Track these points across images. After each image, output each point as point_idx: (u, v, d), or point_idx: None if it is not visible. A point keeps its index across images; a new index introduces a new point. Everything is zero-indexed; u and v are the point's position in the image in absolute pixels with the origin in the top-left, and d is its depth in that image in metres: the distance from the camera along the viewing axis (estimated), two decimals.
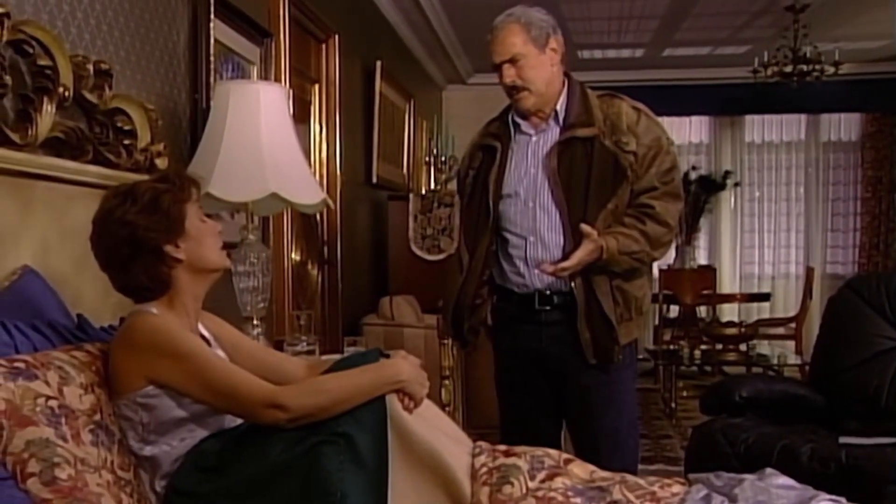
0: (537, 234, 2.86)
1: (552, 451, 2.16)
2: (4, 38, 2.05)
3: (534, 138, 2.91)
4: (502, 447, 2.15)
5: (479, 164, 2.97)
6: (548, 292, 2.86)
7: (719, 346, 7.11)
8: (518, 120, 2.93)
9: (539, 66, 2.83)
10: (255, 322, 2.99)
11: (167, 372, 1.94)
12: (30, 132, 2.15)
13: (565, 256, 2.78)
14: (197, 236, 2.07)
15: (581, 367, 2.87)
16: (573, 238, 2.79)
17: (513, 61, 2.81)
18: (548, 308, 2.87)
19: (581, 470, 2.10)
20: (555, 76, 2.87)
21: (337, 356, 2.47)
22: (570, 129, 2.84)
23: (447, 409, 3.68)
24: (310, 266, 4.99)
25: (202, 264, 2.09)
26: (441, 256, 6.19)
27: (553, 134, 2.88)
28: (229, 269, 2.50)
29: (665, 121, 3.09)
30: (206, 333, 2.19)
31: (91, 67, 2.42)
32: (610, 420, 2.92)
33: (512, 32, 2.81)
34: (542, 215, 2.85)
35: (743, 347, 6.96)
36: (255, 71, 3.90)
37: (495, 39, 2.84)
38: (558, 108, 2.88)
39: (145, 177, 2.49)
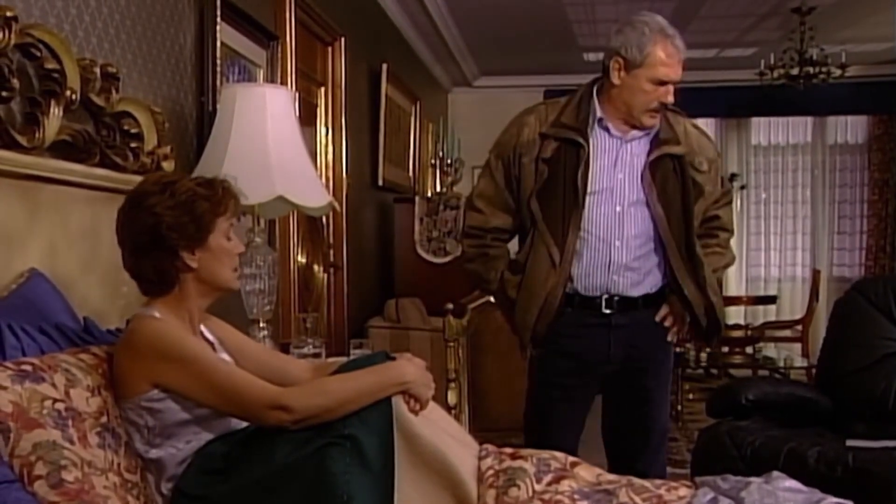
0: (623, 239, 2.82)
1: (558, 454, 2.15)
2: (12, 42, 2.05)
3: (625, 143, 2.85)
4: (508, 450, 2.15)
5: (554, 154, 2.82)
6: (611, 295, 2.86)
7: (725, 349, 7.09)
8: (607, 122, 2.84)
9: None
10: (261, 324, 2.99)
11: (171, 376, 1.95)
12: (37, 135, 2.16)
13: (693, 276, 2.86)
14: (216, 252, 2.07)
15: (645, 370, 2.94)
16: (675, 245, 2.82)
17: (676, 82, 2.78)
18: (611, 311, 2.86)
19: (587, 473, 2.10)
20: None
21: (343, 359, 2.47)
22: (665, 144, 2.82)
23: (453, 411, 3.68)
24: (316, 268, 5.00)
25: (211, 280, 2.09)
26: (447, 259, 6.20)
27: (644, 144, 2.85)
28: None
29: None
30: (210, 337, 2.20)
31: (98, 70, 2.43)
32: (664, 419, 3.06)
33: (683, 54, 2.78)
34: (630, 221, 2.83)
35: (749, 350, 6.95)
36: (261, 74, 3.91)
37: (678, 58, 2.76)
38: None
39: None
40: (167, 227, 2.00)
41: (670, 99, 2.77)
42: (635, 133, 2.85)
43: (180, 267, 2.05)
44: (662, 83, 2.75)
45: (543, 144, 2.84)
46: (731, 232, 3.08)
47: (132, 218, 2.04)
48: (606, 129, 2.85)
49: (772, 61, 7.57)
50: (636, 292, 2.87)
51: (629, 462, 2.83)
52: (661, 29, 2.75)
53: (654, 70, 2.73)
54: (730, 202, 3.09)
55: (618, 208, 2.83)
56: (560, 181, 2.80)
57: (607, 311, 2.86)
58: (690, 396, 7.17)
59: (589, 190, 2.80)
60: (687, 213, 2.83)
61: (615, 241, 2.83)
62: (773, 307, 9.53)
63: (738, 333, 7.09)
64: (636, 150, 2.85)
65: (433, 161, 7.97)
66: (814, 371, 5.21)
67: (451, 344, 3.86)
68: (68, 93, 2.24)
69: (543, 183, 2.82)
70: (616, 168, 2.84)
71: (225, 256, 2.09)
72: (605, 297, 2.86)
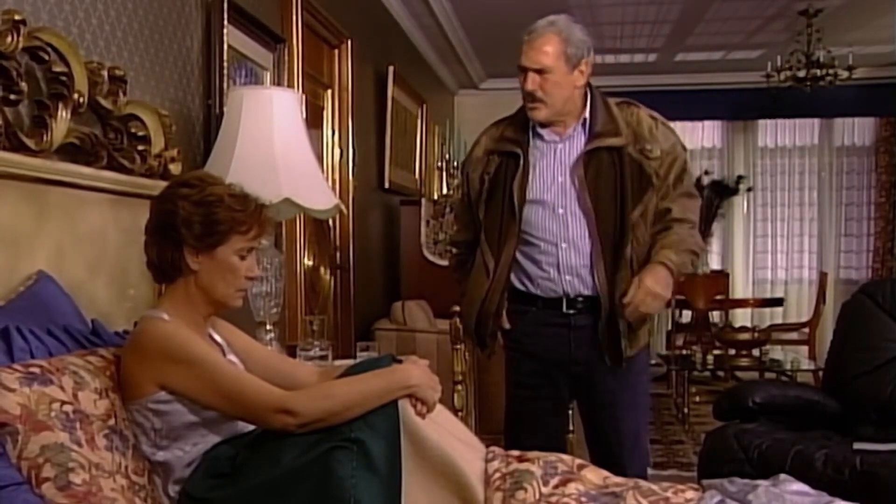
0: (570, 241, 2.85)
1: (565, 457, 2.15)
2: (20, 45, 2.06)
3: (559, 146, 2.89)
4: (515, 452, 2.15)
5: (496, 168, 2.93)
6: (572, 296, 2.88)
7: (732, 352, 7.08)
8: (539, 128, 2.89)
9: (564, 84, 2.81)
10: (267, 327, 3.00)
11: (177, 378, 1.95)
12: (45, 138, 2.17)
13: (611, 278, 2.82)
14: (221, 265, 2.07)
15: (606, 371, 2.91)
16: (601, 245, 2.82)
17: (540, 71, 2.79)
18: (573, 312, 2.88)
19: (594, 475, 2.10)
20: (576, 95, 2.86)
21: (350, 361, 2.47)
22: (598, 137, 2.84)
23: (460, 414, 3.68)
24: (322, 271, 5.00)
25: (208, 289, 2.09)
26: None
27: (579, 142, 2.87)
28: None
29: (678, 125, 3.13)
30: (218, 340, 2.20)
31: (105, 74, 2.44)
32: (631, 422, 2.98)
33: (549, 42, 2.79)
34: (574, 222, 2.85)
35: (756, 353, 6.93)
36: (268, 76, 3.91)
37: (531, 44, 2.81)
38: (586, 115, 2.88)
39: (160, 182, 2.51)
40: (180, 219, 2.02)
41: (528, 87, 2.81)
42: (569, 132, 2.88)
43: (182, 266, 2.05)
44: (522, 70, 2.83)
45: (489, 161, 2.96)
46: (687, 221, 2.89)
47: (160, 199, 2.09)
48: (540, 136, 2.90)
49: (778, 63, 7.56)
50: (591, 292, 2.87)
51: (605, 467, 2.74)
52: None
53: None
54: (684, 195, 2.92)
55: (560, 211, 2.86)
56: (500, 192, 2.91)
57: (569, 312, 2.88)
58: (697, 399, 7.17)
59: (531, 198, 2.87)
60: (623, 207, 2.81)
61: (561, 243, 2.86)
62: (779, 309, 9.53)
63: (744, 336, 7.06)
64: (572, 150, 2.88)
65: (439, 163, 7.97)
66: (821, 374, 5.20)
67: (458, 346, 3.85)
68: (76, 96, 2.25)
69: (487, 195, 2.93)
70: (556, 172, 2.88)
71: (229, 273, 2.08)
72: (565, 297, 2.88)
